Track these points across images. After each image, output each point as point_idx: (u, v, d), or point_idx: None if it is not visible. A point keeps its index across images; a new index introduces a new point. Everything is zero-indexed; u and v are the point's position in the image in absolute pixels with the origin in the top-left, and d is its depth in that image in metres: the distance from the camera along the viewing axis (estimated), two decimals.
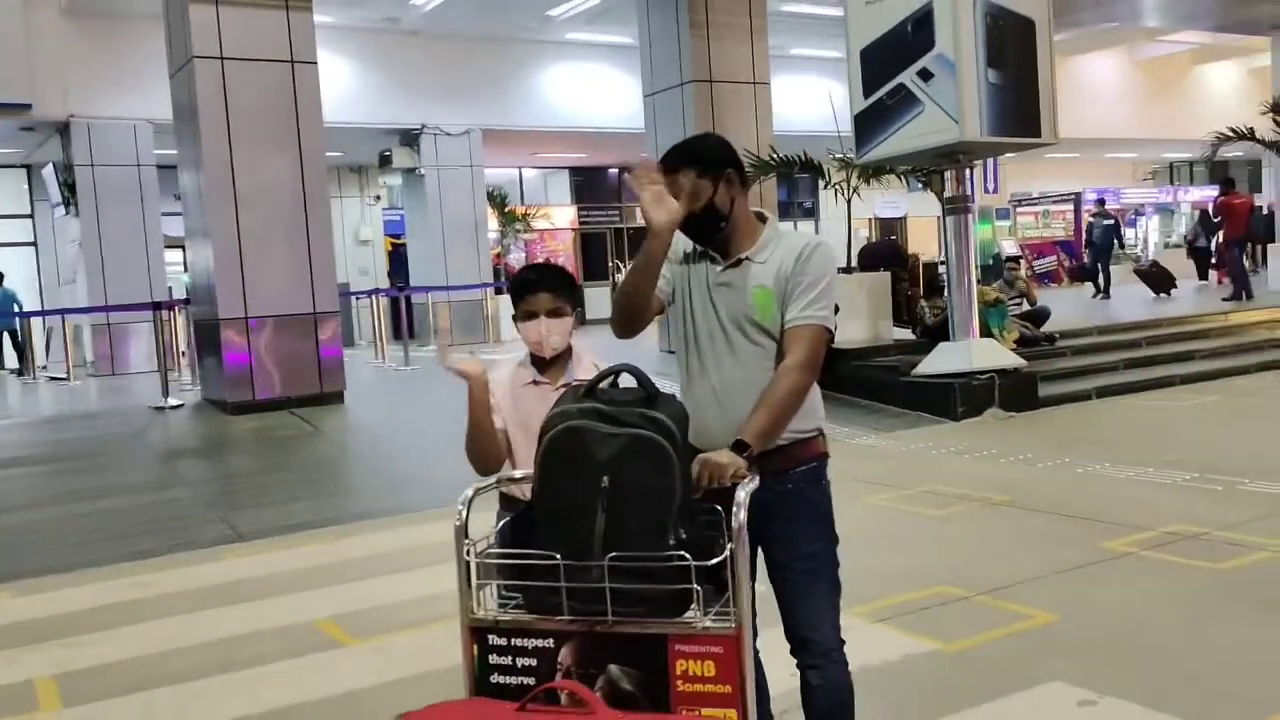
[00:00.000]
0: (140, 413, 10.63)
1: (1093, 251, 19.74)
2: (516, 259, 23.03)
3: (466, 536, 2.36)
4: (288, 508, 7.19)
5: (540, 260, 24.63)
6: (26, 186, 20.10)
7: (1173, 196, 32.47)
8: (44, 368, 16.97)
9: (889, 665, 3.85)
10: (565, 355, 2.85)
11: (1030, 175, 29.78)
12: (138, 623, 4.92)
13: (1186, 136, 25.82)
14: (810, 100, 17.77)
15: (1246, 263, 16.75)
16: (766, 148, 12.24)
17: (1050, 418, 9.16)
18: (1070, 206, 28.20)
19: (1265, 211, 20.01)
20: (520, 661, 2.31)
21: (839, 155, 11.38)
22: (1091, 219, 20.66)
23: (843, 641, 2.62)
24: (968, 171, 9.59)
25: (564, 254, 25.29)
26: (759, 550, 2.58)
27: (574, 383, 2.69)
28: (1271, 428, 8.54)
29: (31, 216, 20.18)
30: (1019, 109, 9.22)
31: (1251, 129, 18.67)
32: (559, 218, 25.04)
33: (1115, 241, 19.79)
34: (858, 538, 5.50)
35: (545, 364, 2.82)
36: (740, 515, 2.16)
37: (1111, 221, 19.79)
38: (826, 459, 2.66)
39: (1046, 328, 11.72)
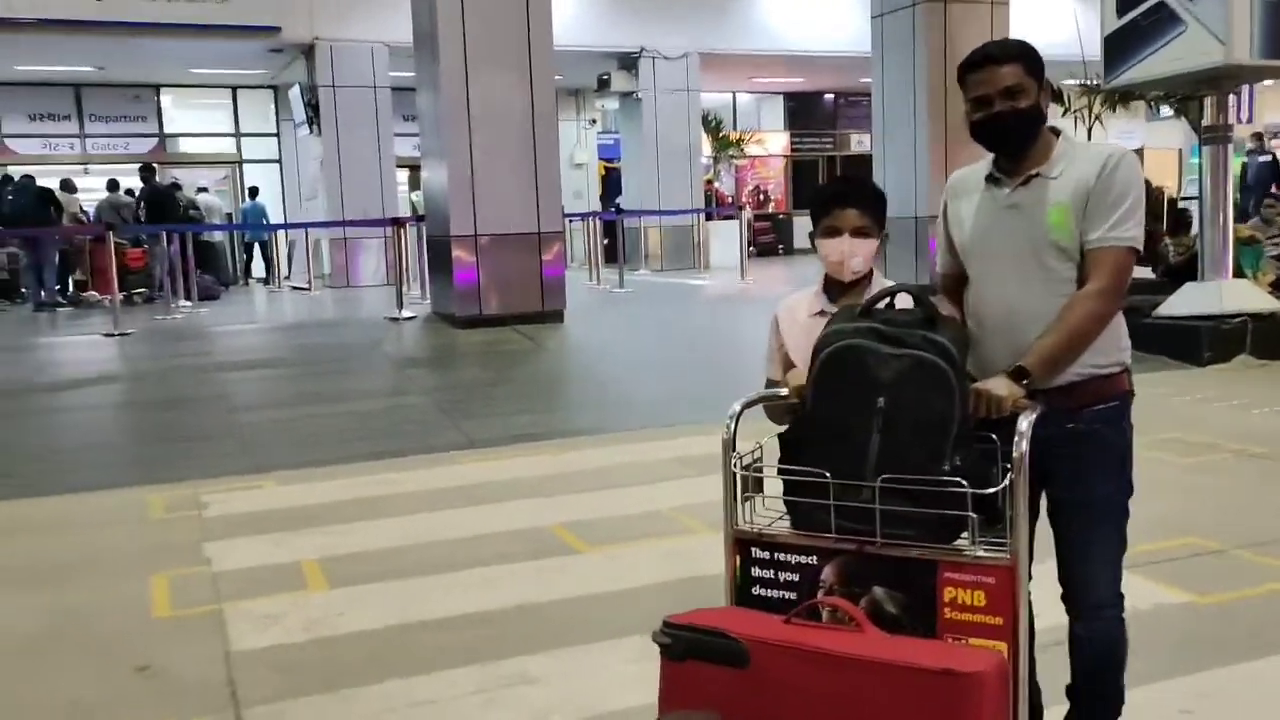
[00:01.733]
0: (376, 323, 11.27)
1: (1245, 195, 16.08)
2: (727, 185, 22.92)
3: (734, 450, 2.37)
4: (515, 419, 7.50)
5: (767, 185, 24.43)
6: (273, 106, 21.39)
7: None
8: (287, 278, 18.21)
9: (1139, 614, 3.63)
10: (864, 280, 2.63)
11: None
12: (388, 516, 5.27)
13: None
14: (1049, 23, 16.72)
15: None
16: None
17: None
18: None
19: None
20: (783, 576, 2.32)
21: (1083, 81, 10.69)
22: (1246, 157, 17.69)
23: (1120, 596, 2.47)
24: (1230, 98, 8.83)
25: (775, 180, 24.98)
26: (1041, 491, 2.41)
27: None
28: None
29: (277, 135, 21.50)
30: None
31: None
32: (772, 144, 24.70)
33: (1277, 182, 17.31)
34: None
35: (841, 289, 2.62)
36: (1022, 445, 2.09)
37: (1269, 158, 17.26)
38: (1130, 398, 2.45)
39: None
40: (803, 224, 15.46)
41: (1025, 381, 2.22)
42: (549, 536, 4.87)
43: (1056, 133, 2.46)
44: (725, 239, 19.17)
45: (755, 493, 2.38)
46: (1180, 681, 3.22)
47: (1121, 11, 8.84)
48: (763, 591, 2.35)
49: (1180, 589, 3.90)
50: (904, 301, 2.60)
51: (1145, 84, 9.38)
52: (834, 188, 2.75)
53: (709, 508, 5.21)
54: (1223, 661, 3.34)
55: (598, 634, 3.72)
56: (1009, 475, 2.10)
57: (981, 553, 2.14)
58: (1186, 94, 9.83)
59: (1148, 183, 14.25)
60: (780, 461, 2.34)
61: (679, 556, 4.50)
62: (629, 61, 19.28)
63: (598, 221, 16.22)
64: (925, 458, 2.13)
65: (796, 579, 2.31)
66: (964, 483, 2.09)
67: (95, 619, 4.09)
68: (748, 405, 2.45)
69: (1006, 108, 2.36)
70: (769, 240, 22.64)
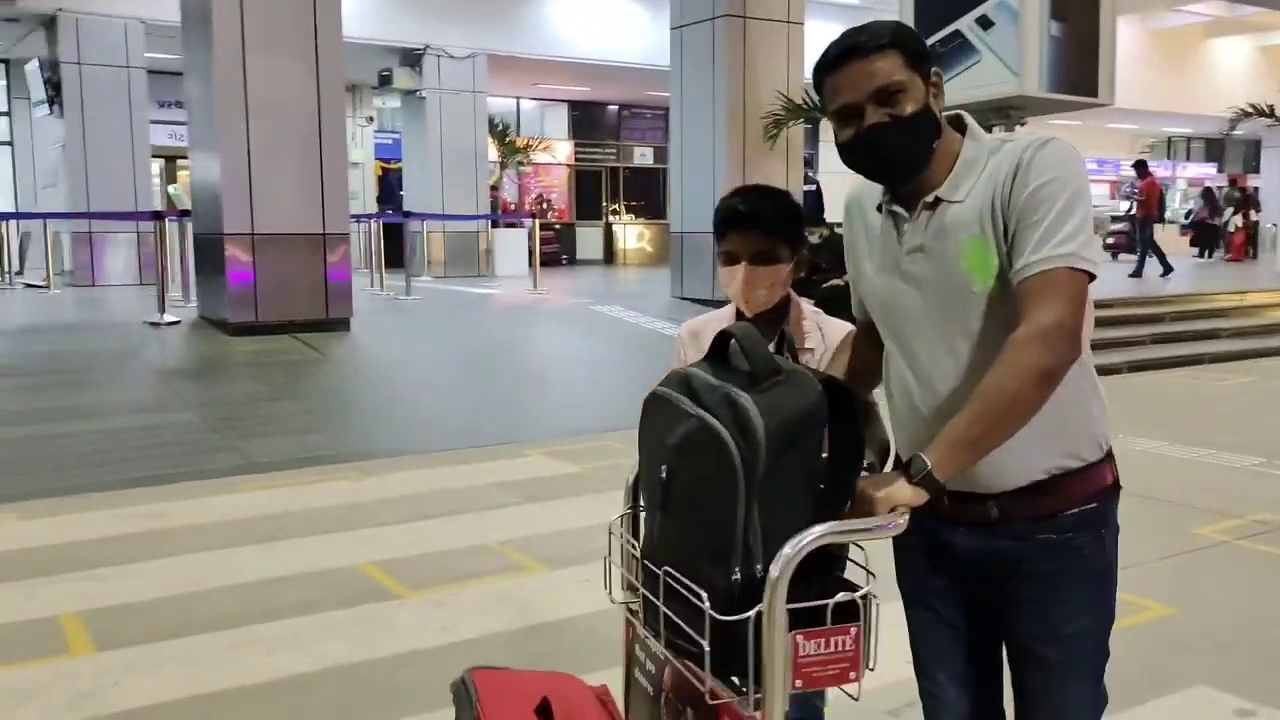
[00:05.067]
0: (133, 328, 10.10)
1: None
2: (510, 192, 22.45)
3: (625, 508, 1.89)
4: (303, 439, 6.80)
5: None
6: (4, 83, 19.20)
7: (1171, 172, 32.25)
8: (19, 273, 16.28)
9: None
10: (779, 312, 2.23)
11: None
12: (162, 557, 4.54)
13: (1193, 111, 25.55)
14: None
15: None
16: (799, 91, 11.78)
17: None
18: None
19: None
20: (649, 664, 1.81)
21: None
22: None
23: None
24: (1018, 128, 9.21)
25: (558, 189, 24.72)
26: (995, 629, 1.86)
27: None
28: None
29: (8, 115, 19.31)
30: (1077, 65, 8.86)
31: (1271, 106, 18.45)
32: (556, 152, 24.41)
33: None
34: None
35: (757, 322, 2.15)
36: (774, 569, 1.43)
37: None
38: (1113, 495, 1.81)
39: None
40: (585, 233, 15.47)
41: (921, 478, 1.55)
42: (359, 579, 4.29)
43: (962, 129, 1.77)
44: (511, 247, 18.69)
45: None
46: None
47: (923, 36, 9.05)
48: (638, 676, 1.86)
49: None
50: (827, 335, 2.27)
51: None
52: (728, 205, 2.21)
53: (541, 541, 4.85)
54: (1110, 710, 3.22)
55: (433, 700, 3.21)
56: (762, 601, 1.44)
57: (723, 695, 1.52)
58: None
59: None
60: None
61: (515, 600, 4.04)
62: (413, 59, 18.48)
63: (380, 224, 15.36)
64: (703, 555, 1.53)
65: (653, 670, 1.79)
66: (703, 596, 1.48)
67: None
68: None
69: (884, 118, 1.66)
70: (553, 250, 22.27)
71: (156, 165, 18.42)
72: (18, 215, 16.92)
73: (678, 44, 12.79)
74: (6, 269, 16.05)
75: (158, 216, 10.88)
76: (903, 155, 1.70)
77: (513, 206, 22.23)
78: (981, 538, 1.78)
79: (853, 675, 1.48)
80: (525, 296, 14.09)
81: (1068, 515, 1.75)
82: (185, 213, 12.12)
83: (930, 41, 8.95)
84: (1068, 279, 1.60)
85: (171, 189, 18.25)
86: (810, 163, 19.62)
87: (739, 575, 1.47)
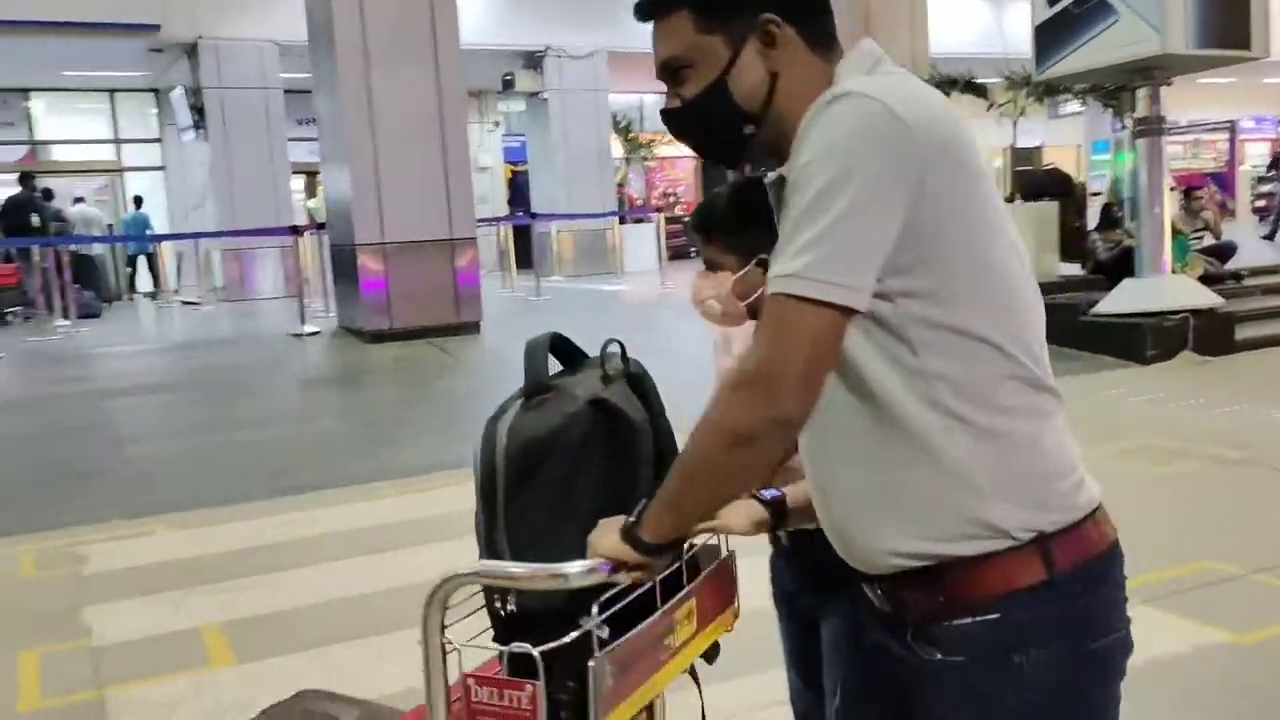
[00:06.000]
0: (277, 340, 10.47)
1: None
2: (636, 188, 22.47)
3: None
4: (439, 444, 6.85)
5: (682, 191, 24.01)
6: (155, 110, 20.19)
7: None
8: (176, 292, 17.12)
9: (1179, 659, 3.27)
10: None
11: (1180, 101, 27.85)
12: (305, 566, 4.61)
13: None
14: (961, 20, 16.68)
15: None
16: (924, 65, 11.36)
17: (1251, 363, 8.30)
18: (1225, 135, 26.32)
19: None
20: None
21: (1009, 74, 10.48)
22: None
23: None
24: (1162, 89, 8.64)
25: (684, 183, 24.62)
26: None
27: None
28: None
29: (160, 141, 20.30)
30: (1226, 17, 8.24)
31: None
32: (682, 146, 24.30)
33: None
34: None
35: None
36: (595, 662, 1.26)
37: None
38: (1042, 602, 1.24)
39: (1232, 264, 10.73)
40: None
41: (633, 539, 1.27)
42: None
43: (834, 50, 1.34)
44: (639, 243, 18.69)
45: None
46: None
47: (1053, 1, 8.60)
48: None
49: (1213, 625, 3.49)
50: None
51: (1074, 76, 9.17)
52: (697, 212, 1.95)
53: None
54: None
55: None
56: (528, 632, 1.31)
57: None
58: (1117, 86, 9.65)
59: (1068, 178, 14.17)
60: None
61: None
62: (534, 61, 18.67)
63: (509, 226, 15.58)
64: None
65: None
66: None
67: None
68: None
69: (674, 101, 1.38)
70: (680, 243, 22.22)
71: (298, 181, 19.09)
72: (172, 236, 17.77)
73: None
74: (165, 287, 16.92)
75: (295, 231, 11.26)
76: (705, 142, 1.42)
77: (639, 202, 22.24)
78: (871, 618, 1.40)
79: None
80: (654, 291, 14.06)
81: (955, 626, 1.25)
82: (323, 226, 12.51)
83: (1063, 4, 8.49)
84: (784, 310, 1.16)
85: (311, 203, 18.91)
86: None
87: (503, 610, 1.35)
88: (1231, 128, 26.14)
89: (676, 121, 1.39)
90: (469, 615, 1.41)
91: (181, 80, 17.25)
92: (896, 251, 1.18)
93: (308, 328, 10.53)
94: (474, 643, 1.35)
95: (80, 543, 5.00)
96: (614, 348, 1.51)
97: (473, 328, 10.20)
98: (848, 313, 1.16)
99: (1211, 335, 8.46)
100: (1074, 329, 8.85)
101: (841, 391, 1.25)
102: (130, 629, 3.98)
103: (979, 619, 1.24)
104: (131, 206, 18.48)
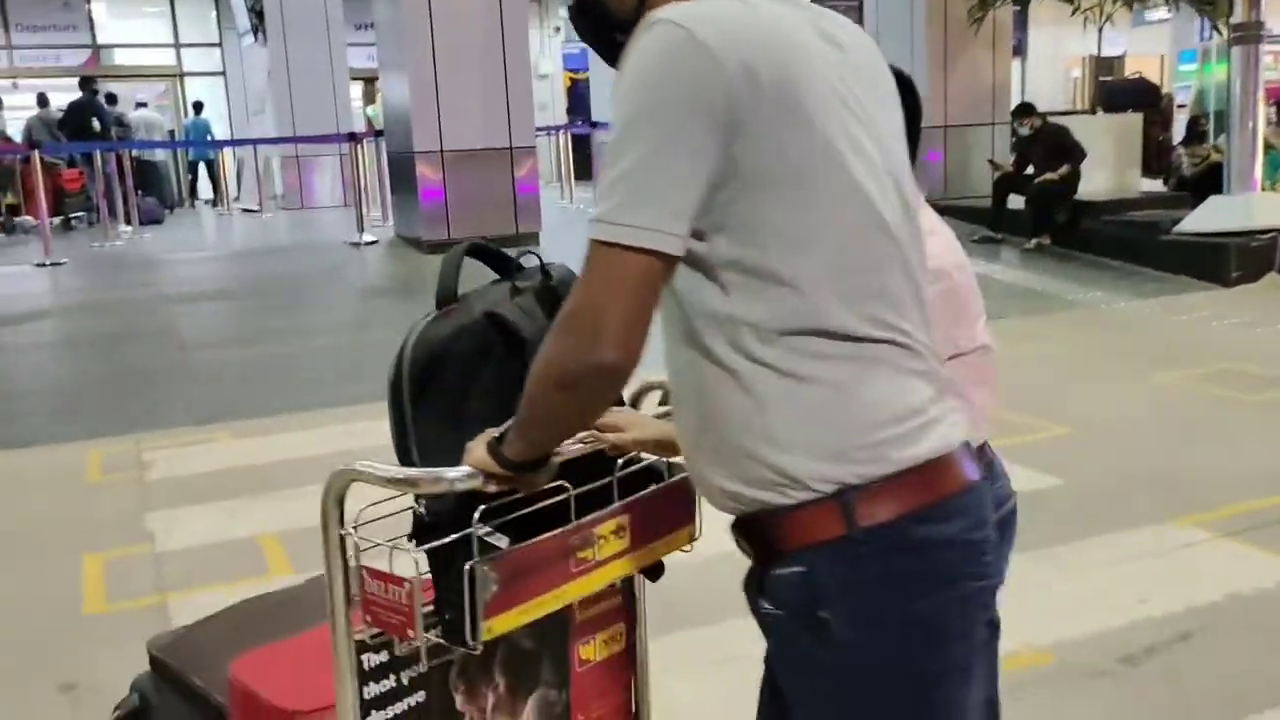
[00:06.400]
0: (335, 248, 10.44)
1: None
2: None
3: None
4: None
5: None
6: (215, 14, 20.05)
7: None
8: (236, 199, 17.18)
9: (1266, 594, 3.12)
10: None
11: (1274, 8, 26.46)
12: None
13: None
14: None
15: None
16: None
17: None
18: None
19: None
20: None
21: None
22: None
23: None
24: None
25: None
26: None
27: None
28: None
29: (220, 45, 20.19)
30: None
31: None
32: None
33: None
34: (1165, 427, 4.76)
35: None
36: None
37: None
38: (844, 559, 1.18)
39: None
40: None
41: (491, 444, 1.30)
42: None
43: None
44: None
45: None
46: None
47: None
48: None
49: None
50: None
51: None
52: None
53: None
54: None
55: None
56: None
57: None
58: None
59: (1155, 89, 13.47)
60: None
61: None
62: None
63: (569, 135, 15.30)
64: None
65: None
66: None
67: (14, 615, 3.41)
68: None
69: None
70: None
71: (356, 88, 18.91)
72: (230, 143, 17.76)
73: None
74: (225, 195, 16.98)
75: (353, 139, 11.15)
76: (594, 46, 1.38)
77: None
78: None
79: (410, 634, 1.34)
80: None
81: (773, 576, 1.21)
82: (381, 133, 12.37)
83: None
84: (597, 255, 1.13)
85: (369, 110, 18.76)
86: (1020, 49, 18.07)
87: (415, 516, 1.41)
88: None
89: (572, 23, 1.39)
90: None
91: None
92: (711, 189, 1.13)
93: (365, 236, 10.48)
94: (375, 540, 1.40)
95: (145, 448, 5.03)
96: (530, 259, 1.53)
97: (532, 239, 10.06)
98: (663, 257, 1.12)
99: None
100: (1155, 248, 8.51)
101: (672, 329, 1.24)
102: (191, 536, 3.99)
103: (789, 570, 1.20)
104: (191, 112, 18.47)
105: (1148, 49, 22.92)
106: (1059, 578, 3.24)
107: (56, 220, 12.84)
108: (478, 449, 1.30)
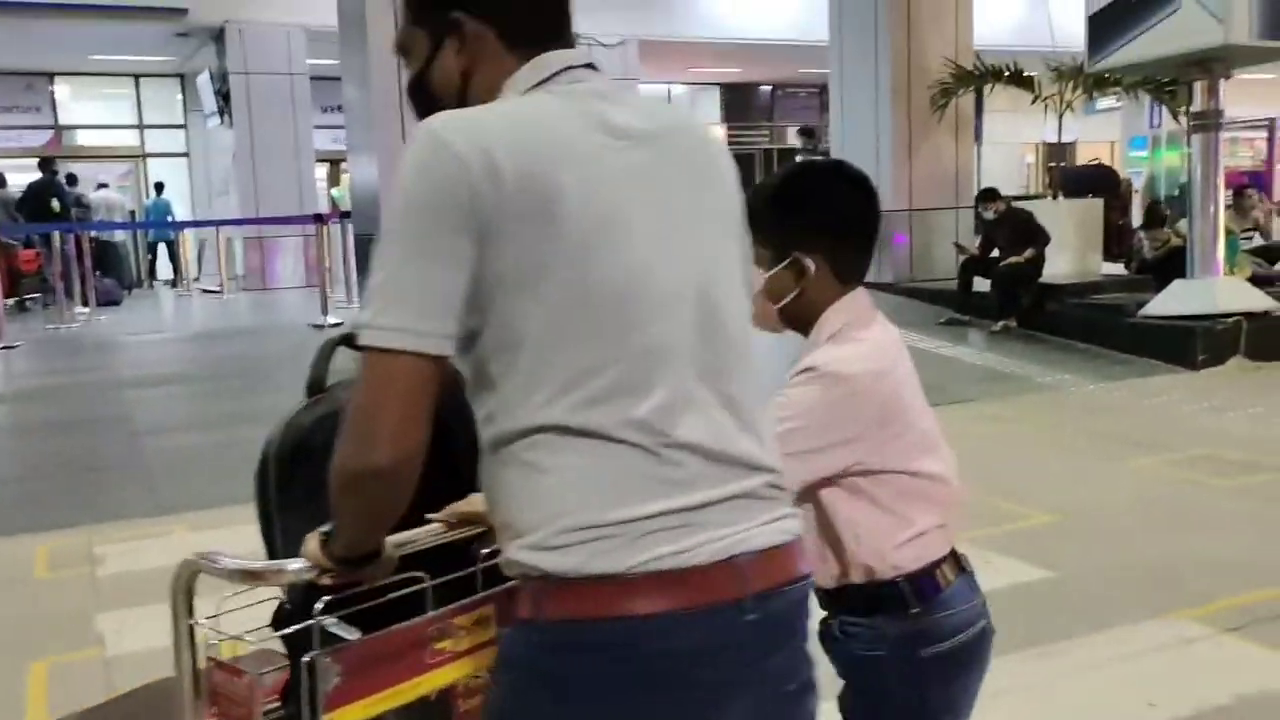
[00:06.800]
0: (299, 330, 10.27)
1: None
2: None
3: None
4: None
5: None
6: (180, 96, 20.06)
7: None
8: (196, 280, 16.99)
9: (1273, 696, 3.01)
10: (800, 324, 1.69)
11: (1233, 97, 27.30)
12: None
13: None
14: (1006, 10, 16.35)
15: None
16: (969, 55, 11.04)
17: None
18: (1263, 134, 25.75)
19: None
20: None
21: (1056, 65, 10.17)
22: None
23: None
24: (1221, 82, 8.31)
25: None
26: None
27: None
28: None
29: (185, 127, 20.17)
30: None
31: None
32: None
33: None
34: (1149, 514, 4.69)
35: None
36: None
37: None
38: (520, 638, 1.22)
39: None
40: None
41: (324, 536, 1.30)
42: None
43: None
44: None
45: None
46: None
47: None
48: None
49: None
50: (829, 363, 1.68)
51: (1130, 67, 8.85)
52: None
53: None
54: None
55: None
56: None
57: None
58: (1172, 79, 9.33)
59: (1114, 174, 13.77)
60: None
61: None
62: None
63: None
64: None
65: None
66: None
67: None
68: None
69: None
70: None
71: (321, 169, 18.92)
72: (193, 224, 17.63)
73: (836, 10, 12.17)
74: (186, 275, 16.80)
75: (318, 220, 11.06)
76: None
77: None
78: None
79: None
80: None
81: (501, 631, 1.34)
82: (347, 214, 12.30)
83: None
84: (368, 361, 1.15)
85: (334, 191, 18.74)
86: (978, 135, 18.56)
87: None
88: (1270, 125, 25.58)
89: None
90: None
91: (207, 65, 17.09)
92: (473, 286, 1.14)
93: (330, 318, 10.34)
94: (224, 632, 1.38)
95: (96, 542, 4.81)
96: None
97: None
98: (426, 358, 1.13)
99: (1265, 340, 8.14)
100: (1121, 331, 8.56)
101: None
102: (144, 638, 3.75)
103: (501, 630, 1.31)
104: (153, 192, 18.34)
105: (1099, 135, 23.54)
106: (1060, 679, 3.12)
107: (10, 301, 12.58)
108: (310, 542, 1.29)
